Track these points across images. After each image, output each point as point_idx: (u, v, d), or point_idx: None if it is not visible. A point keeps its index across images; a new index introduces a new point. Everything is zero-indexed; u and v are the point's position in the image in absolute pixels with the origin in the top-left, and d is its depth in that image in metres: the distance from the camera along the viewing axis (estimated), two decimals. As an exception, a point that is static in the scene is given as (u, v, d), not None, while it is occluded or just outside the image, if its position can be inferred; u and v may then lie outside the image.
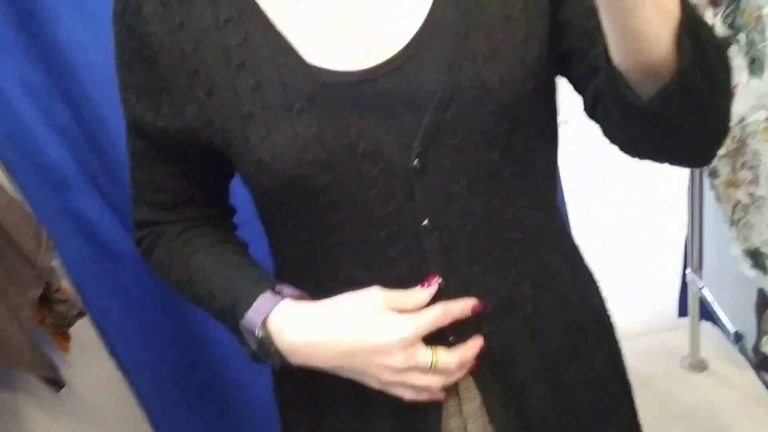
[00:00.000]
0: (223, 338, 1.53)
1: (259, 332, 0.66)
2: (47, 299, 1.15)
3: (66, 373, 1.24)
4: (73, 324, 1.22)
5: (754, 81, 0.97)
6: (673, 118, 0.54)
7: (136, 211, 0.78)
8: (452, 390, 0.71)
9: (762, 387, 1.79)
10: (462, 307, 0.66)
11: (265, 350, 0.67)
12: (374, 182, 0.64)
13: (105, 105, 1.31)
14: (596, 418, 0.79)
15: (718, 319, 1.73)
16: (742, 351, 1.55)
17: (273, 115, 0.62)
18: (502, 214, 0.68)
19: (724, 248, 1.57)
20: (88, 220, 1.44)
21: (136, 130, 0.71)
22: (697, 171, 1.57)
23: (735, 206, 1.13)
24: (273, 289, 0.69)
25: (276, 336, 0.66)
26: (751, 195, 1.06)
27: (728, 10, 1.07)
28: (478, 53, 0.62)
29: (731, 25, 1.06)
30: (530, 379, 0.74)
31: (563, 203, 1.70)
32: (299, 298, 0.69)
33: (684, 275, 1.85)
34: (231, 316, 0.70)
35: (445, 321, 0.65)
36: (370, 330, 0.64)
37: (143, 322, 1.53)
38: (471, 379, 0.71)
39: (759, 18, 0.99)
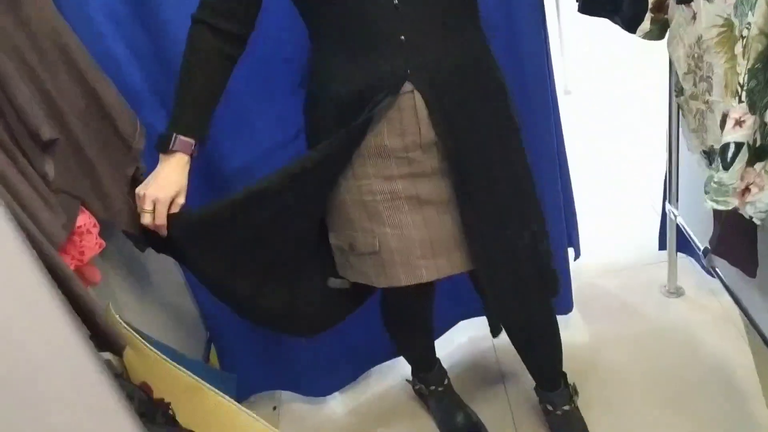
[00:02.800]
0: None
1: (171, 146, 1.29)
2: (135, 180, 1.41)
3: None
4: (152, 208, 1.47)
5: (708, 5, 1.23)
6: None
7: (197, 10, 1.30)
8: (411, 104, 1.27)
9: (730, 308, 2.05)
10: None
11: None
12: None
13: (180, 33, 1.56)
14: (495, 136, 1.36)
15: (692, 245, 1.98)
16: (709, 264, 1.80)
17: None
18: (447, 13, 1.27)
19: (695, 174, 1.82)
20: (156, 133, 1.70)
21: None
22: (674, 108, 1.83)
23: (695, 115, 1.38)
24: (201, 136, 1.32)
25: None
26: (706, 102, 1.32)
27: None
28: None
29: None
30: (455, 104, 1.29)
31: (563, 148, 1.97)
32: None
33: (664, 208, 2.10)
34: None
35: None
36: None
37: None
38: (421, 97, 1.26)
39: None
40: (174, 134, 1.29)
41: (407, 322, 1.79)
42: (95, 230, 1.22)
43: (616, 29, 1.63)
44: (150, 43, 1.60)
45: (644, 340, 2.07)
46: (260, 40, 1.43)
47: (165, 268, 1.73)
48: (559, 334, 1.70)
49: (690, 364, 1.95)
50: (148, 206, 1.28)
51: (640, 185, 2.78)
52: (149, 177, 1.31)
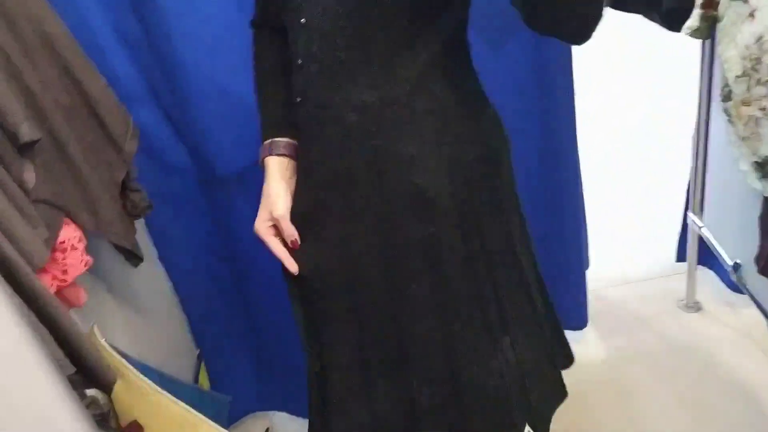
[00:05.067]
0: (265, 257, 1.66)
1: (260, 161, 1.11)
2: (125, 186, 1.25)
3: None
4: (143, 215, 1.31)
5: (772, 1, 1.11)
6: None
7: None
8: None
9: (750, 324, 1.95)
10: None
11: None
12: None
13: (173, 20, 1.41)
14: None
15: (715, 259, 1.86)
16: (740, 280, 1.69)
17: None
18: (376, 33, 0.93)
19: (726, 185, 1.71)
20: (147, 132, 1.54)
21: None
22: (703, 114, 1.71)
23: (746, 123, 1.26)
24: (275, 137, 1.10)
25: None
26: (763, 109, 1.20)
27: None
28: None
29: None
30: (409, 161, 0.96)
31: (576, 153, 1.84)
32: (284, 150, 1.09)
33: (685, 218, 1.99)
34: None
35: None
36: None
37: (190, 231, 1.64)
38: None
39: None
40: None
41: None
42: (81, 245, 1.06)
43: (628, 30, 1.50)
44: (144, 31, 1.45)
45: (662, 356, 1.96)
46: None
47: (154, 285, 1.58)
48: None
49: (710, 381, 1.84)
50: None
51: (656, 193, 2.67)
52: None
